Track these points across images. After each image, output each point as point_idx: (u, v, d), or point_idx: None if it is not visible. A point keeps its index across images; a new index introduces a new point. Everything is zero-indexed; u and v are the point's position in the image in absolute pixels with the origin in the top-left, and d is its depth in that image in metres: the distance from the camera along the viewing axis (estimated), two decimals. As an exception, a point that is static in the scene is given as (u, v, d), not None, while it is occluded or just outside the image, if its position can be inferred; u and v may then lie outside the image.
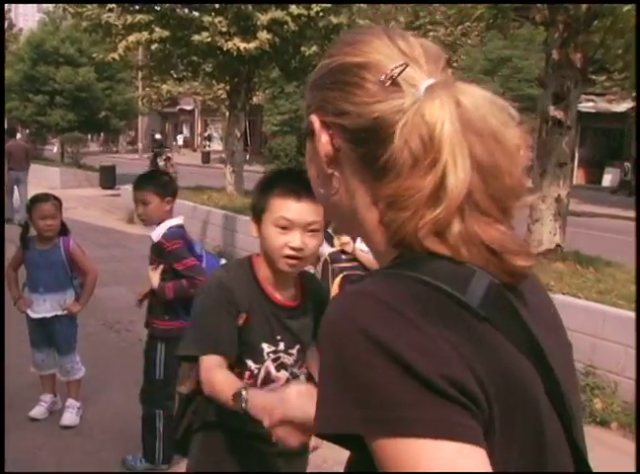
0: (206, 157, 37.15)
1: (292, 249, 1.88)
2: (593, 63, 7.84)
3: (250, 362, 1.98)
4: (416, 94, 0.80)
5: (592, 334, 4.85)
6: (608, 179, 25.78)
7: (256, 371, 1.99)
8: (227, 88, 14.59)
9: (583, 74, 7.14)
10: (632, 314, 4.77)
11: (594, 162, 26.07)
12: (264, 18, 11.82)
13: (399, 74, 0.81)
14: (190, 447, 2.11)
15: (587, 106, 22.71)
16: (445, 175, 0.75)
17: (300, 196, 1.88)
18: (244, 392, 1.62)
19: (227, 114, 15.17)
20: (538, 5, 7.19)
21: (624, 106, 23.72)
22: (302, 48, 13.16)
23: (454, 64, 26.86)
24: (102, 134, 36.78)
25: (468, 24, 24.61)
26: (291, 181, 1.92)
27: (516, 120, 0.80)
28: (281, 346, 2.02)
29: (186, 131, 50.08)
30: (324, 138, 0.88)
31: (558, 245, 7.32)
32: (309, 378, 2.14)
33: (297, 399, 1.37)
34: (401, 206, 0.78)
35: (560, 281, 5.72)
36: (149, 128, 46.37)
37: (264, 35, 11.78)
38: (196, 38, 11.96)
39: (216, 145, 42.46)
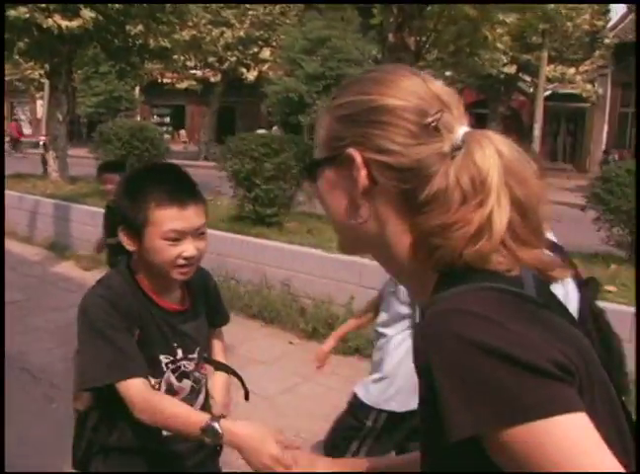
0: (17, 142, 34.58)
1: (186, 259, 1.75)
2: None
3: (150, 378, 1.79)
4: (453, 139, 0.90)
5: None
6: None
7: (157, 387, 1.83)
8: (46, 68, 13.68)
9: (417, 56, 7.56)
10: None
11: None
12: (87, -6, 11.21)
13: (439, 119, 0.90)
14: (90, 468, 1.94)
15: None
16: (492, 214, 0.86)
17: (185, 201, 1.72)
18: (216, 424, 1.54)
19: (37, 95, 14.21)
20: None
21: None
22: (127, 27, 12.66)
23: (274, 44, 27.07)
24: None
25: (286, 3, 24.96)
26: (167, 182, 1.74)
27: (534, 166, 0.93)
28: (180, 353, 1.88)
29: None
30: (363, 172, 0.94)
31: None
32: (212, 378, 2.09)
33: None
34: (448, 236, 0.87)
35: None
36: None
37: (88, 13, 11.16)
38: (11, 13, 11.09)
39: (26, 130, 39.67)
